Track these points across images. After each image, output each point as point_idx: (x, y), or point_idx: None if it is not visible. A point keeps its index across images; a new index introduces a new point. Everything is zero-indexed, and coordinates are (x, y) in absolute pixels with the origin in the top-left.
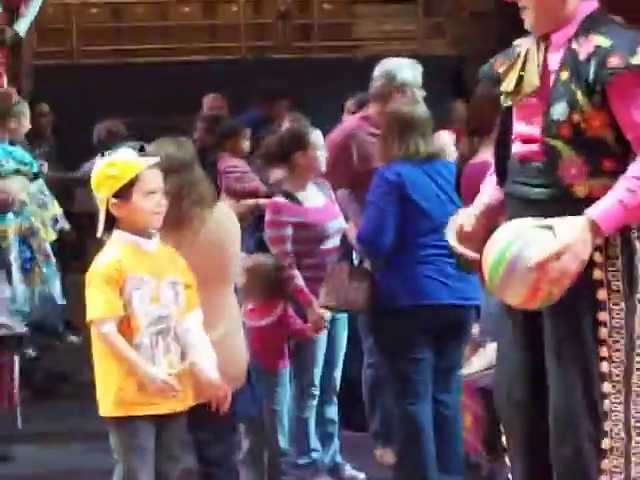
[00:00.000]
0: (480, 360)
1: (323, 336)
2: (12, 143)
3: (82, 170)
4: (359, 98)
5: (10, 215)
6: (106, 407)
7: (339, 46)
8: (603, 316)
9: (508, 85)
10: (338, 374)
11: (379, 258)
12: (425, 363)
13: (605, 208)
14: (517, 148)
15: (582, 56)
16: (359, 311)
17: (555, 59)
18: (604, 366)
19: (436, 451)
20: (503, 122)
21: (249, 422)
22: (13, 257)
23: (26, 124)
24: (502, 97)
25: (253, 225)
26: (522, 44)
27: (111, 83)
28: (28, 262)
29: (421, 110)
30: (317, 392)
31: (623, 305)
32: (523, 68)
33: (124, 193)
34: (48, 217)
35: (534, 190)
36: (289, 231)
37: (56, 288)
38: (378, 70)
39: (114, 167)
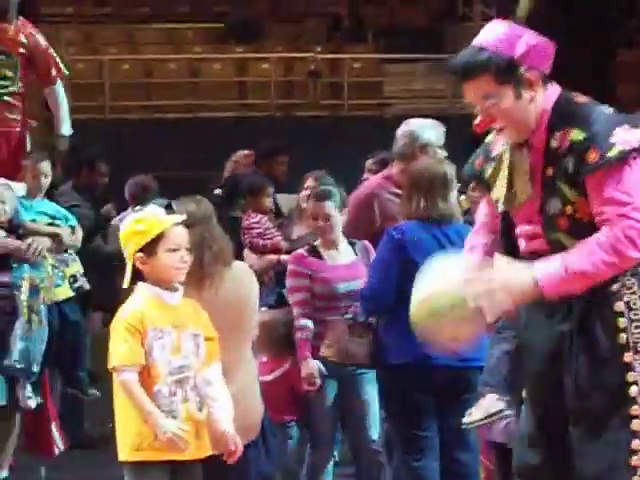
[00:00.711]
0: (479, 410)
1: (329, 391)
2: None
3: (112, 224)
4: (380, 157)
5: (26, 267)
6: (124, 452)
7: (368, 104)
8: (632, 377)
9: (500, 194)
10: (373, 432)
11: (380, 314)
12: (428, 420)
13: (550, 270)
14: (523, 246)
15: (561, 151)
16: (360, 365)
17: (537, 157)
18: (635, 424)
19: None
20: (504, 219)
21: (262, 478)
22: (22, 310)
23: (42, 179)
24: (495, 202)
25: (274, 280)
26: (497, 143)
27: (141, 138)
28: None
29: (446, 168)
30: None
31: None
32: (510, 175)
33: (150, 248)
34: (67, 274)
35: None
36: (306, 282)
37: (36, 355)
38: (401, 130)
39: (142, 223)
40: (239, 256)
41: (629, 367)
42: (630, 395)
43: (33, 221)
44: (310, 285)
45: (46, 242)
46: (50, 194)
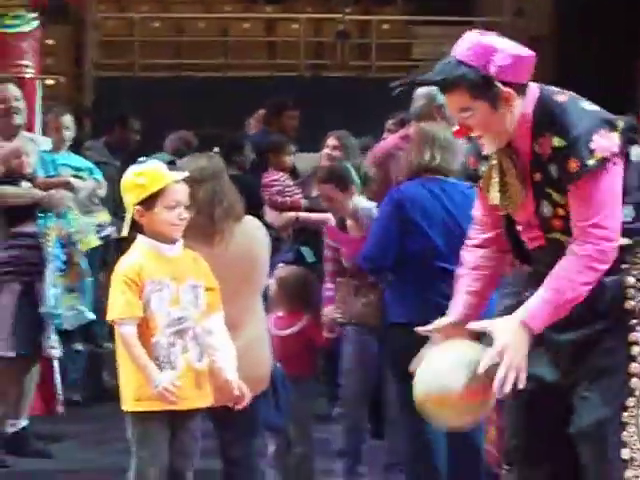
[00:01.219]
0: None
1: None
2: (75, 151)
3: None
4: (399, 117)
5: (52, 218)
6: (126, 402)
7: (397, 66)
8: (634, 337)
9: (494, 200)
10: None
11: (381, 274)
12: None
13: (533, 309)
14: (528, 244)
15: (544, 158)
16: (367, 325)
17: (524, 163)
18: (634, 382)
19: (457, 463)
20: (505, 218)
21: (271, 430)
22: (49, 259)
23: (64, 133)
24: (494, 205)
25: (292, 237)
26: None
27: (170, 96)
28: (64, 267)
29: (449, 133)
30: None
31: None
32: (503, 182)
33: (149, 203)
34: (93, 224)
35: (548, 269)
36: (335, 254)
37: (86, 303)
38: (419, 90)
39: (143, 177)
40: None
41: (632, 328)
42: (631, 354)
43: (55, 174)
44: (338, 257)
45: (67, 194)
46: (76, 148)
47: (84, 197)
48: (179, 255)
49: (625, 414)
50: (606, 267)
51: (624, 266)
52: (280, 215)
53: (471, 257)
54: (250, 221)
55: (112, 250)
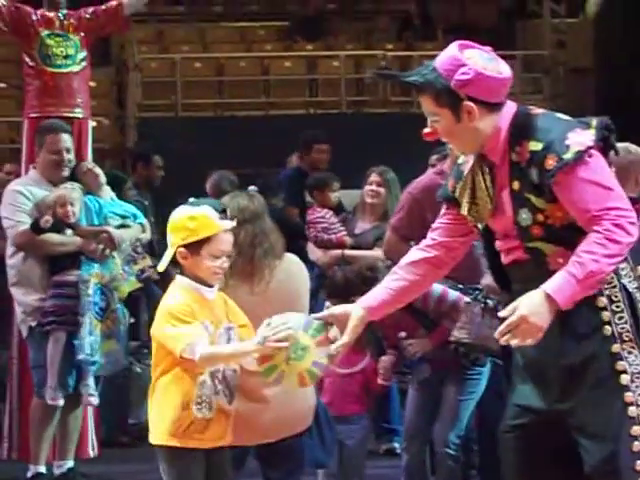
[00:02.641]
0: None
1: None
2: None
3: None
4: (444, 152)
5: (95, 265)
6: (159, 437)
7: None
8: (621, 366)
9: (463, 210)
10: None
11: None
12: None
13: (558, 282)
14: (505, 259)
15: (523, 164)
16: (490, 349)
17: (502, 174)
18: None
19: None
20: (483, 235)
21: (317, 467)
22: (88, 306)
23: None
24: (469, 219)
25: None
26: (468, 161)
27: (213, 135)
28: (102, 313)
29: None
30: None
31: (637, 352)
32: (473, 194)
33: (194, 247)
34: (133, 272)
35: (532, 284)
36: None
37: (121, 351)
38: None
39: (194, 222)
40: None
41: (617, 357)
42: (622, 383)
43: (100, 224)
44: None
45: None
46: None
47: (127, 246)
48: (215, 298)
49: (636, 443)
50: (630, 240)
51: (604, 316)
52: (326, 253)
53: (410, 256)
54: (290, 259)
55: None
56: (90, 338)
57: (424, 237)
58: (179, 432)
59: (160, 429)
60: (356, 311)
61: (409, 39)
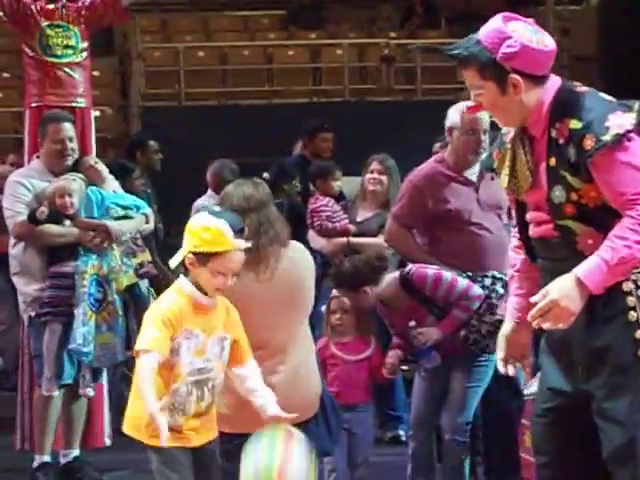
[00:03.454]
0: None
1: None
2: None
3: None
4: (447, 140)
5: (93, 257)
6: (145, 437)
7: (442, 89)
8: None
9: (502, 183)
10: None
11: None
12: None
13: (589, 266)
14: (533, 231)
15: (561, 141)
16: None
17: (540, 148)
18: None
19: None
20: (518, 207)
21: (323, 454)
22: (82, 297)
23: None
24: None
25: None
26: (509, 133)
27: (216, 124)
28: (97, 304)
29: None
30: None
31: None
32: (513, 165)
33: (203, 258)
34: (131, 265)
35: (559, 264)
36: None
37: (118, 344)
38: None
39: (208, 233)
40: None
41: None
42: None
43: (101, 215)
44: None
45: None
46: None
47: (127, 239)
48: (214, 306)
49: None
50: None
51: (629, 301)
52: (330, 241)
53: (515, 259)
54: (295, 247)
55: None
56: (83, 329)
57: (425, 225)
58: (156, 433)
59: (139, 430)
60: (514, 328)
61: (412, 27)
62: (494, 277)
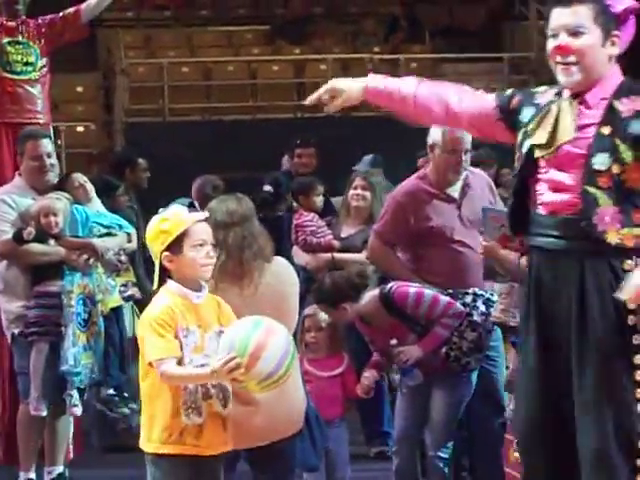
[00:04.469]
0: None
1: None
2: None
3: None
4: (429, 156)
5: (78, 276)
6: (148, 445)
7: None
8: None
9: (541, 138)
10: None
11: None
12: None
13: None
14: (547, 198)
15: (625, 114)
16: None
17: (592, 114)
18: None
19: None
20: (521, 172)
21: (308, 470)
22: (70, 317)
23: (88, 188)
24: (526, 149)
25: None
26: (545, 95)
27: (200, 140)
28: (84, 323)
29: None
30: None
31: None
32: (556, 123)
33: (175, 247)
34: (116, 285)
35: (567, 243)
36: None
37: (96, 363)
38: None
39: (166, 222)
40: (281, 253)
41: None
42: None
43: (85, 235)
44: None
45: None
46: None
47: (111, 256)
48: (205, 302)
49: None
50: None
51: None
52: (315, 256)
53: (439, 86)
54: (279, 262)
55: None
56: (73, 349)
57: (407, 242)
58: (171, 439)
59: (151, 437)
60: (357, 86)
61: (396, 42)
62: (475, 294)
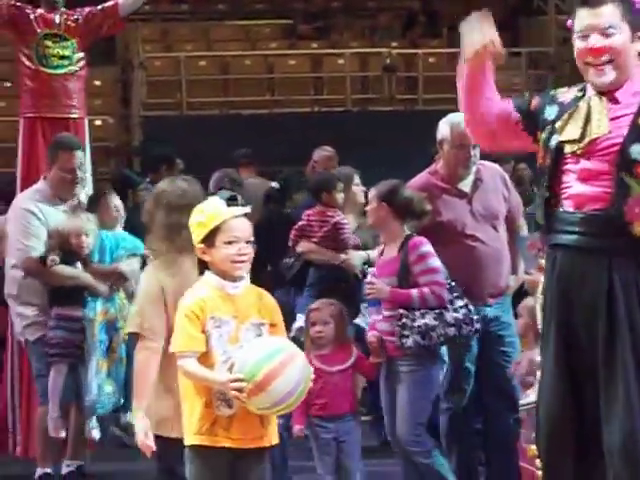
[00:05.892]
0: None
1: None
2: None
3: None
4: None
5: (99, 302)
6: (187, 437)
7: (444, 98)
8: None
9: (572, 134)
10: None
11: None
12: None
13: None
14: (575, 189)
15: None
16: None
17: (624, 106)
18: None
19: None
20: (550, 168)
21: None
22: (94, 346)
23: (114, 213)
24: (554, 146)
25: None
26: (567, 94)
27: (217, 134)
28: (106, 351)
29: None
30: None
31: None
32: (587, 118)
33: (210, 240)
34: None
35: (595, 241)
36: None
37: (116, 389)
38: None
39: (202, 214)
40: (288, 249)
41: None
42: None
43: (113, 259)
44: None
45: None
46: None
47: (133, 281)
48: (243, 293)
49: None
50: None
51: None
52: (333, 254)
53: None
54: None
55: None
56: (97, 379)
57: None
58: (204, 429)
59: (187, 429)
60: None
61: (414, 36)
62: (468, 308)
